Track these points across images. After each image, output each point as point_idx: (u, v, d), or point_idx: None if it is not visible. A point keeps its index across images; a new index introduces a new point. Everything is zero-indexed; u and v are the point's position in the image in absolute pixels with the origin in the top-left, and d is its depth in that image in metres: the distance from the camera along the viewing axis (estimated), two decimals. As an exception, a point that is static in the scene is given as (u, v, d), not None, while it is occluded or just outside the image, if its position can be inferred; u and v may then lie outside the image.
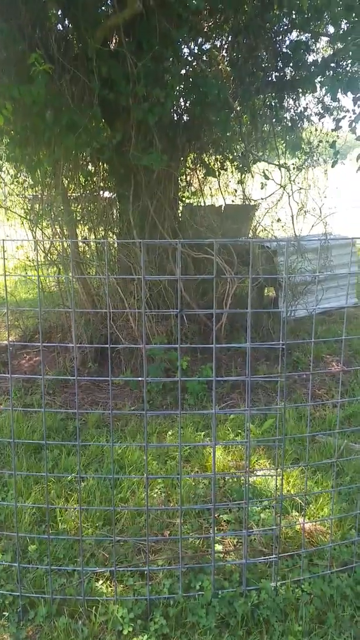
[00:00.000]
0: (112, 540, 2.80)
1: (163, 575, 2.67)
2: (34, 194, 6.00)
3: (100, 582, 2.64)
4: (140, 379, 2.65)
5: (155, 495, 3.32)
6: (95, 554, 2.84)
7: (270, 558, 2.70)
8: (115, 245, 5.67)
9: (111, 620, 2.41)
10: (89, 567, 2.73)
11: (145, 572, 2.60)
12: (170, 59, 4.82)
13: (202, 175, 6.40)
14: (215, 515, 3.03)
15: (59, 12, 4.76)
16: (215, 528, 2.96)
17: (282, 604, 2.46)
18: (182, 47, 5.27)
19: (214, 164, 6.31)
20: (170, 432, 4.10)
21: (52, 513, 3.12)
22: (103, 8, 4.87)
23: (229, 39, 5.85)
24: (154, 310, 3.86)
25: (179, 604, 2.47)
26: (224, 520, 3.07)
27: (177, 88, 4.96)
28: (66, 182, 5.58)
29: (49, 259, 5.68)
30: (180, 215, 6.01)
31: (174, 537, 2.92)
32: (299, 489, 3.35)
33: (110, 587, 2.60)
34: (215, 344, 2.39)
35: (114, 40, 4.92)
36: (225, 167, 6.43)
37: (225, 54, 5.84)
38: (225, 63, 5.68)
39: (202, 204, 6.40)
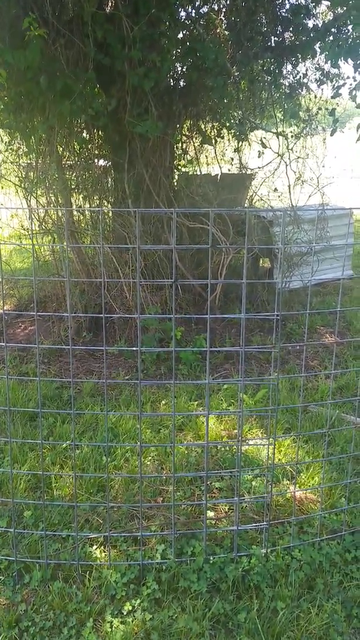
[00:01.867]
0: (106, 507, 2.84)
1: (156, 541, 2.72)
2: (28, 161, 5.90)
3: (94, 547, 2.69)
4: (134, 348, 2.66)
5: (148, 463, 3.37)
6: (89, 519, 2.89)
7: (261, 525, 2.75)
8: (110, 214, 5.61)
9: (105, 584, 2.47)
10: (83, 532, 2.78)
11: (139, 538, 2.65)
12: (167, 22, 4.69)
13: (199, 143, 6.31)
14: (208, 483, 3.08)
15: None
16: (208, 495, 3.01)
17: (272, 570, 2.52)
18: (179, 10, 5.12)
19: (210, 132, 6.21)
20: (163, 402, 4.13)
21: (47, 480, 3.16)
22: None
23: (227, 2, 5.68)
24: (149, 280, 3.86)
25: (171, 569, 2.53)
26: (216, 488, 3.12)
27: (174, 52, 4.85)
28: (61, 149, 5.49)
29: (43, 227, 5.63)
30: (175, 184, 5.94)
31: (167, 504, 2.96)
32: (290, 459, 3.40)
33: (104, 552, 2.65)
34: (209, 314, 2.39)
35: (109, 4, 4.77)
36: (222, 135, 6.33)
37: (223, 18, 5.68)
38: (223, 27, 5.53)
39: (198, 173, 6.32)
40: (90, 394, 4.25)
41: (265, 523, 2.70)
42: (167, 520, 2.85)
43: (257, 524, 2.78)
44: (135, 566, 2.55)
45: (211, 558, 2.56)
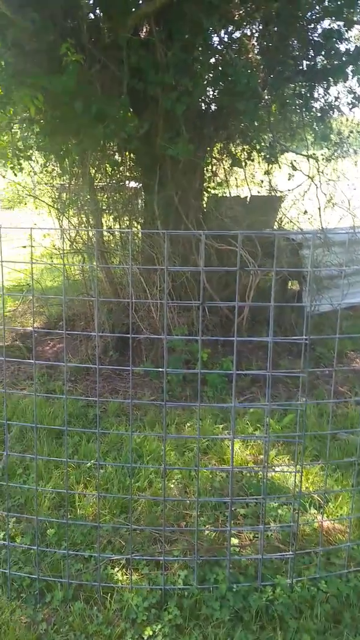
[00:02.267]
0: (129, 529, 2.82)
1: (178, 566, 2.68)
2: (62, 183, 6.03)
3: (116, 569, 2.66)
4: (160, 369, 2.65)
5: (172, 486, 3.33)
6: (112, 541, 2.87)
7: (286, 554, 2.69)
8: (140, 235, 5.67)
9: (126, 607, 2.44)
10: (106, 553, 2.75)
11: (161, 562, 2.61)
12: (200, 48, 4.77)
13: (229, 166, 6.35)
14: (232, 509, 3.03)
15: (91, 2, 4.75)
16: (232, 522, 2.96)
17: (297, 601, 2.45)
18: (212, 35, 5.20)
19: (240, 154, 6.25)
20: (188, 424, 4.11)
21: (70, 498, 3.15)
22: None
23: (260, 27, 5.75)
24: (176, 302, 3.86)
25: (193, 595, 2.48)
26: (241, 514, 3.06)
27: (206, 77, 4.92)
28: (93, 171, 5.59)
29: (74, 247, 5.71)
30: (205, 205, 5.97)
31: (190, 528, 2.92)
32: (318, 487, 3.33)
33: (126, 574, 2.63)
34: (236, 336, 2.37)
35: (144, 29, 4.88)
36: (252, 158, 6.36)
37: (256, 43, 5.75)
38: (255, 52, 5.60)
39: (228, 195, 6.35)
40: (116, 413, 4.26)
41: (291, 552, 2.64)
42: (190, 546, 2.81)
43: (283, 554, 2.72)
44: (157, 590, 2.51)
45: (234, 586, 2.51)
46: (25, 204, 7.72)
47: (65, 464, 2.74)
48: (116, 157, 5.67)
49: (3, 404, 4.19)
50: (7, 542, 2.67)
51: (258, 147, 6.19)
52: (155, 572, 2.64)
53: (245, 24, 5.57)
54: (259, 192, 6.64)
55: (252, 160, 6.41)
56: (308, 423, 4.07)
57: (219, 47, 5.43)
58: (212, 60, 5.25)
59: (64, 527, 2.86)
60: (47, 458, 3.51)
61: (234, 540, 2.86)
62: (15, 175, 5.78)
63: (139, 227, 5.82)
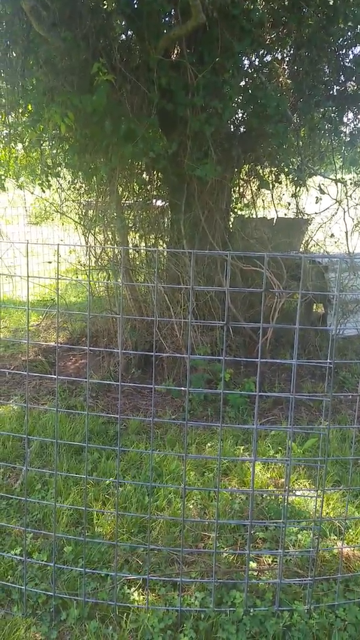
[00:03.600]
0: (147, 548, 2.80)
1: (195, 588, 2.64)
2: (89, 200, 6.12)
3: (133, 589, 2.64)
4: (182, 388, 2.65)
5: (191, 506, 3.30)
6: (129, 560, 2.85)
7: (305, 580, 2.63)
8: (165, 253, 5.71)
9: (141, 628, 2.41)
10: (122, 572, 2.73)
11: (178, 583, 2.58)
12: (231, 71, 4.83)
13: (256, 187, 6.38)
14: (251, 532, 2.99)
15: (124, 23, 4.87)
16: (251, 545, 2.92)
17: (315, 628, 2.40)
18: (243, 59, 5.28)
19: (268, 176, 6.28)
20: (209, 444, 4.08)
21: (89, 516, 3.15)
22: (167, 19, 4.94)
23: (291, 51, 5.82)
24: (200, 321, 3.86)
25: (209, 618, 2.45)
26: (260, 538, 3.02)
27: (236, 100, 4.97)
28: (120, 189, 5.67)
29: (99, 264, 5.78)
30: (231, 226, 6.00)
31: (208, 550, 2.89)
32: (338, 513, 3.27)
33: (142, 595, 2.60)
34: (260, 358, 2.36)
35: (175, 51, 4.98)
36: (279, 180, 6.38)
37: (286, 67, 5.81)
38: (286, 76, 5.65)
39: (254, 216, 6.37)
40: (136, 431, 4.25)
41: (309, 578, 2.59)
42: (207, 568, 2.77)
43: (301, 579, 2.67)
44: (173, 612, 2.48)
45: (251, 610, 2.46)
46: (52, 220, 7.86)
47: (85, 481, 2.75)
48: (144, 175, 5.74)
49: (24, 418, 4.23)
50: (24, 558, 2.67)
51: (286, 169, 6.22)
52: (172, 593, 2.61)
53: (276, 48, 5.64)
54: (285, 214, 6.65)
55: (280, 183, 6.44)
56: (330, 448, 4.01)
57: (249, 70, 5.50)
58: (242, 83, 5.31)
59: (81, 544, 2.86)
60: (67, 474, 3.51)
61: (252, 564, 2.82)
62: (43, 191, 5.89)
63: (164, 245, 5.87)
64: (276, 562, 2.82)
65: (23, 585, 2.59)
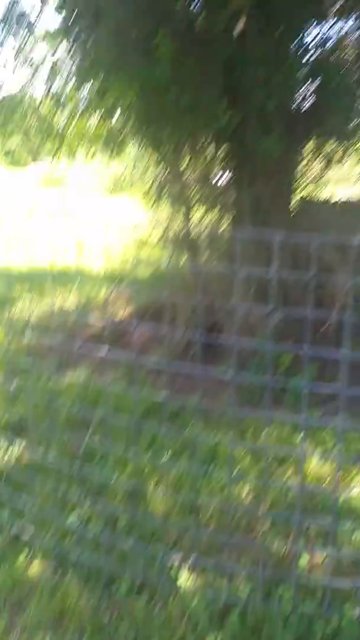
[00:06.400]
0: (197, 531, 2.82)
1: (244, 577, 2.65)
2: (155, 173, 6.08)
3: (182, 570, 2.67)
4: (241, 371, 2.61)
5: (244, 493, 3.30)
6: (180, 541, 2.88)
7: (358, 582, 2.58)
8: (227, 231, 5.61)
9: (188, 611, 2.44)
10: (173, 552, 2.77)
11: (227, 571, 2.59)
12: (294, 44, 4.64)
13: (322, 164, 6.12)
14: (303, 527, 2.95)
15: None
16: (303, 540, 2.89)
17: (365, 634, 2.35)
18: (307, 31, 5.04)
19: (334, 153, 6.00)
20: (266, 430, 4.04)
21: (143, 491, 3.20)
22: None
23: (357, 22, 5.49)
24: (261, 304, 3.79)
25: (256, 610, 2.45)
26: (313, 534, 2.98)
27: (300, 73, 4.77)
28: (185, 162, 5.60)
29: (165, 238, 5.76)
30: (294, 204, 5.82)
31: (259, 541, 2.88)
32: None
33: (191, 577, 2.63)
34: (323, 345, 2.29)
35: (239, 24, 4.80)
36: (346, 157, 6.09)
37: (352, 39, 5.49)
38: (351, 48, 5.35)
39: (319, 195, 6.14)
40: (194, 411, 4.26)
41: (361, 581, 2.53)
42: (257, 558, 2.77)
43: (355, 581, 2.61)
44: (219, 598, 2.50)
45: (299, 608, 2.44)
46: (122, 192, 7.90)
47: (140, 456, 2.79)
48: (208, 149, 5.64)
49: (89, 389, 4.34)
50: (81, 526, 2.75)
51: (353, 146, 5.93)
52: (220, 579, 2.62)
53: (341, 19, 5.35)
54: (350, 197, 6.38)
55: (347, 160, 6.15)
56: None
57: (313, 43, 5.25)
58: (307, 56, 5.08)
59: (135, 519, 2.91)
60: (124, 449, 3.56)
61: (303, 560, 2.79)
62: (110, 164, 5.92)
63: (228, 221, 5.76)
64: (328, 560, 2.77)
65: (77, 553, 2.67)
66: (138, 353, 5.26)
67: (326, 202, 6.11)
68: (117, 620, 2.40)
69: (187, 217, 5.51)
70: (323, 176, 6.38)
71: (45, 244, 9.33)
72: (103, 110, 5.79)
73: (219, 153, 5.70)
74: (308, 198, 6.05)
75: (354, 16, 5.37)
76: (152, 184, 5.99)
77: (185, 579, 2.62)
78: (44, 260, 8.68)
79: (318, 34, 5.34)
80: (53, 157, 7.21)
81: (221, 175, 5.87)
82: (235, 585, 2.60)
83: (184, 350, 5.27)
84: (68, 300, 7.03)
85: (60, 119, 7.17)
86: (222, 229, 5.43)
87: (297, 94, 5.26)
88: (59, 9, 5.05)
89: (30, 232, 10.23)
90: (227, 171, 5.79)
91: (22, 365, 4.69)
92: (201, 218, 5.85)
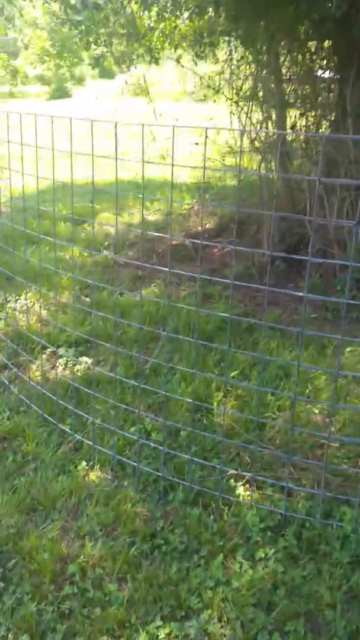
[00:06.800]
0: (259, 447, 2.73)
1: (303, 496, 2.54)
2: (246, 73, 5.58)
3: (239, 483, 2.62)
4: (327, 286, 2.38)
5: (317, 411, 3.13)
6: (240, 455, 2.81)
7: None
8: (326, 133, 5.09)
9: (242, 524, 2.39)
10: (232, 466, 2.71)
11: (285, 487, 2.49)
12: None
13: None
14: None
15: None
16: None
17: None
18: None
19: None
20: (349, 348, 3.78)
21: (209, 405, 3.13)
22: None
23: None
24: (352, 219, 3.43)
25: (314, 528, 2.35)
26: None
27: None
28: (282, 59, 5.06)
29: (253, 145, 5.36)
30: None
31: (323, 462, 2.74)
32: None
33: (248, 491, 2.57)
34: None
35: None
36: None
37: None
38: None
39: None
40: (270, 326, 4.07)
41: None
42: (320, 477, 2.63)
43: None
44: (276, 514, 2.42)
45: (360, 530, 2.31)
46: (212, 99, 7.41)
47: (206, 372, 2.70)
48: (308, 43, 5.03)
49: (162, 302, 4.27)
50: (141, 437, 2.76)
51: None
52: (278, 495, 2.54)
53: None
54: None
55: None
56: None
57: None
58: None
59: (195, 432, 2.86)
60: (194, 361, 3.49)
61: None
62: (196, 64, 5.49)
63: (327, 123, 5.22)
64: None
65: (137, 463, 2.69)
66: (216, 268, 5.10)
67: None
68: (169, 528, 2.41)
69: (280, 121, 5.04)
70: None
71: (129, 156, 9.13)
72: (192, 8, 5.34)
73: (319, 48, 5.09)
74: None
75: None
76: (242, 84, 5.52)
77: (242, 493, 2.56)
78: (129, 173, 8.52)
79: None
80: (140, 64, 6.88)
81: (322, 74, 5.28)
82: (294, 502, 2.50)
83: (267, 262, 5.01)
84: (150, 212, 6.90)
85: (146, 21, 6.76)
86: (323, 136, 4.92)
87: None
88: None
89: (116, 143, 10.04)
90: (329, 69, 5.18)
91: (96, 281, 4.71)
92: (296, 122, 5.35)
